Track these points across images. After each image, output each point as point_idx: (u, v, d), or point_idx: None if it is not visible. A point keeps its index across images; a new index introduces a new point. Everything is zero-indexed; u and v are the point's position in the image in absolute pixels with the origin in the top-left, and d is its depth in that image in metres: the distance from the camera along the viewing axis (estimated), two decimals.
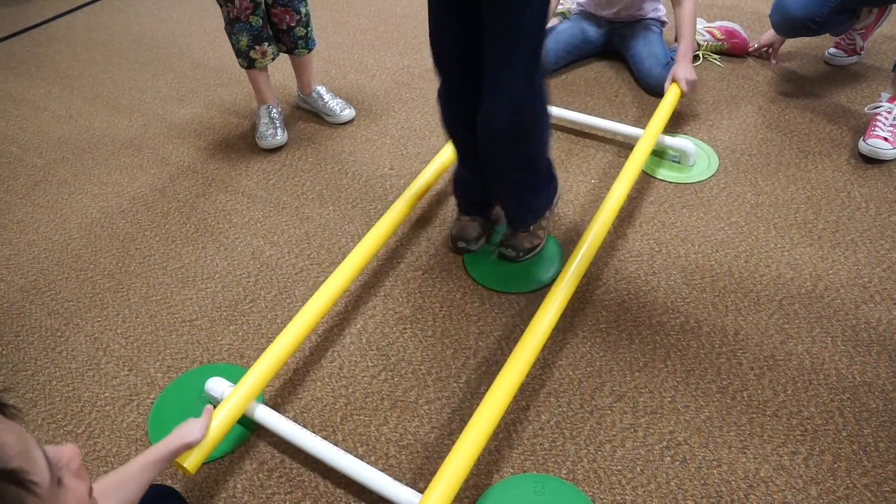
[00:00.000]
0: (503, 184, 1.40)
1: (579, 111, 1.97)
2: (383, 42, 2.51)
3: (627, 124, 1.90)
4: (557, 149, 1.89)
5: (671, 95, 1.85)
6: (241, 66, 1.94)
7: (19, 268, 1.70)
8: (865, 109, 1.88)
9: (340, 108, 2.05)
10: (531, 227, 1.50)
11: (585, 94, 2.11)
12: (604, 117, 1.93)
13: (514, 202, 1.46)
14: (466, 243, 1.54)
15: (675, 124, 1.95)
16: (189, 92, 2.34)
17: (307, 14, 1.92)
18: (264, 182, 1.86)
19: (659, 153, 1.82)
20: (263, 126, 1.98)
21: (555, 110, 1.90)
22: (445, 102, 1.36)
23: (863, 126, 1.88)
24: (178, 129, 2.15)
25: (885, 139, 1.75)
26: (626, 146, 1.88)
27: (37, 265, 1.70)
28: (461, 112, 1.33)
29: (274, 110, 2.01)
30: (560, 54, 2.16)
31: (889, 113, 1.78)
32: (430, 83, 2.22)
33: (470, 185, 1.52)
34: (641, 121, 1.97)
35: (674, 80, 1.89)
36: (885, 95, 1.82)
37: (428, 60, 2.28)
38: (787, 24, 1.95)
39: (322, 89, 2.08)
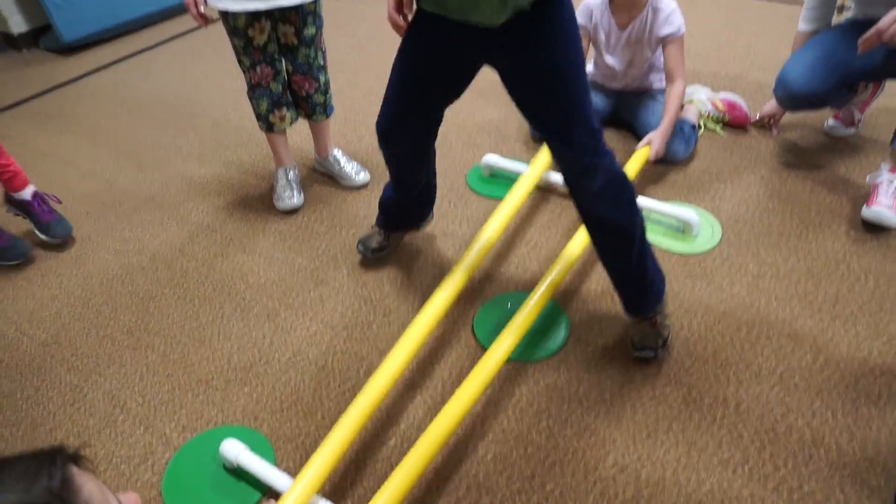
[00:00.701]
0: (613, 254, 1.42)
1: None
2: None
3: None
4: (552, 212, 1.95)
5: (639, 156, 1.95)
6: (261, 129, 2.03)
7: (41, 322, 1.76)
8: (866, 179, 1.94)
9: (356, 172, 2.13)
10: (656, 315, 1.48)
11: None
12: None
13: (629, 280, 1.45)
14: (365, 248, 1.78)
15: (680, 193, 2.02)
16: (209, 151, 2.43)
17: (326, 82, 2.01)
18: (280, 244, 1.93)
19: (664, 223, 1.88)
20: (280, 188, 2.06)
21: (556, 174, 1.97)
22: (392, 115, 1.47)
23: (861, 197, 1.93)
24: (199, 188, 2.23)
25: (888, 207, 1.80)
26: None
27: (59, 320, 1.76)
28: (409, 147, 1.51)
29: (291, 172, 2.08)
30: None
31: (890, 183, 1.83)
32: (444, 148, 2.29)
33: (390, 205, 1.72)
34: (643, 188, 2.04)
35: (647, 144, 1.99)
36: (885, 166, 1.87)
37: (442, 126, 2.37)
38: (791, 100, 2.02)
39: (338, 153, 2.17)
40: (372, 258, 1.80)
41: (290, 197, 2.04)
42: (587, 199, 1.34)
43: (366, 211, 2.03)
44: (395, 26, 1.40)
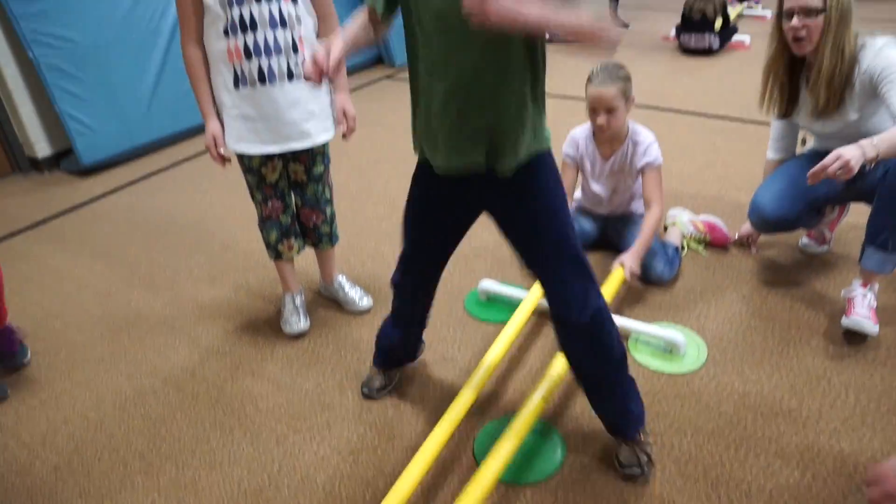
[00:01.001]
0: (594, 384, 1.53)
1: None
2: (398, 231, 2.75)
3: (616, 314, 2.07)
4: (548, 336, 2.05)
5: (615, 278, 2.07)
6: (270, 257, 2.16)
7: (54, 445, 1.82)
8: (841, 294, 2.06)
9: (359, 298, 2.25)
10: (639, 435, 1.57)
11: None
12: None
13: (611, 408, 1.55)
14: (370, 391, 1.86)
15: (666, 314, 2.13)
16: (219, 273, 2.56)
17: (332, 214, 2.17)
18: (288, 368, 2.02)
19: (652, 344, 1.98)
20: (288, 312, 2.17)
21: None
22: (406, 270, 1.65)
23: (837, 312, 2.05)
24: (209, 310, 2.34)
25: (865, 316, 1.91)
26: None
27: (71, 443, 1.82)
28: (416, 282, 1.66)
29: (298, 298, 2.20)
30: None
31: (863, 297, 1.96)
32: (443, 273, 2.42)
33: (392, 343, 1.81)
34: (630, 309, 2.15)
35: (621, 265, 2.11)
36: (857, 282, 2.00)
37: None
38: (764, 224, 2.18)
39: (343, 279, 2.29)
40: (378, 398, 1.87)
41: (297, 322, 2.15)
42: (571, 332, 1.45)
43: (369, 336, 2.13)
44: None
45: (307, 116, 1.92)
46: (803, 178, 2.08)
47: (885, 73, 1.82)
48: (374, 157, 3.51)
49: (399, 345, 1.83)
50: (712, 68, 4.93)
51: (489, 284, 2.25)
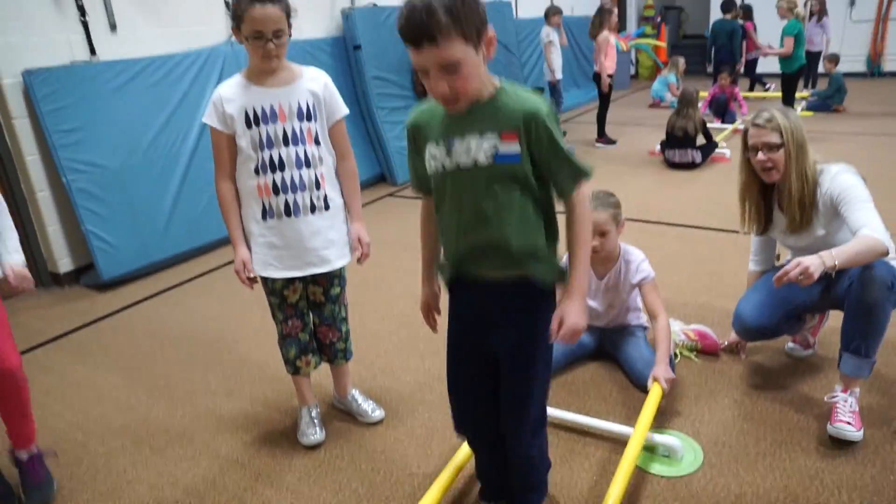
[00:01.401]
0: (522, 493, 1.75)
1: (579, 412, 2.26)
2: (406, 345, 2.90)
3: (620, 422, 2.19)
4: (562, 447, 2.14)
5: (654, 394, 2.17)
6: (288, 371, 2.29)
7: None
8: (825, 399, 2.19)
9: (372, 410, 2.36)
10: None
11: (584, 393, 2.43)
12: (600, 417, 2.24)
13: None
14: None
15: (663, 420, 2.24)
16: (236, 386, 2.67)
17: (347, 332, 2.32)
18: (306, 478, 2.10)
19: (650, 449, 2.09)
20: (304, 424, 2.28)
21: (558, 412, 2.22)
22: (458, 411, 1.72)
23: (824, 413, 2.17)
24: (227, 423, 2.44)
25: (848, 423, 2.03)
26: (621, 442, 2.13)
27: None
28: (476, 424, 1.69)
29: (314, 410, 2.32)
30: (559, 359, 2.52)
31: (845, 402, 2.08)
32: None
33: (486, 475, 1.82)
34: (633, 417, 2.26)
35: (655, 380, 2.23)
36: (838, 387, 2.13)
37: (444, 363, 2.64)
38: (747, 333, 2.35)
39: (356, 392, 2.41)
40: None
41: (314, 433, 2.25)
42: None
43: (382, 446, 2.23)
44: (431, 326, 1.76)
45: (327, 244, 2.11)
46: (781, 290, 2.28)
47: (842, 195, 2.06)
48: (380, 275, 3.70)
49: (492, 475, 1.82)
50: (696, 181, 5.26)
51: None
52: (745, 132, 2.24)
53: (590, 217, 1.48)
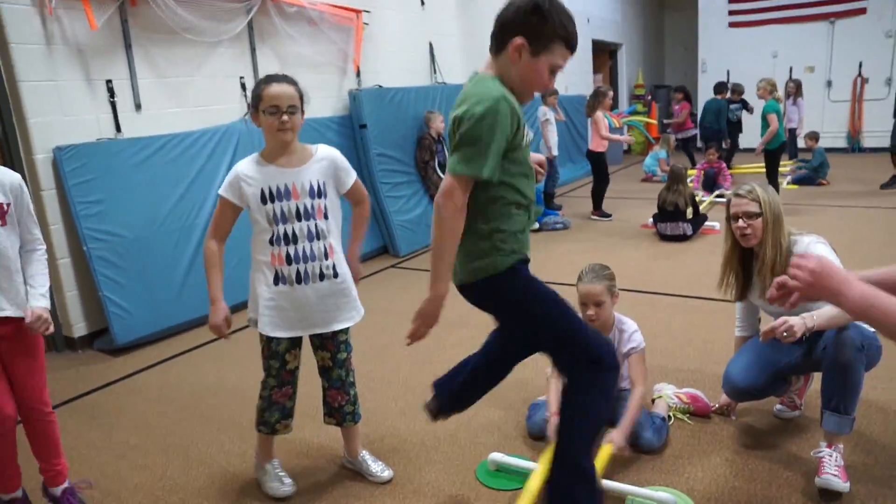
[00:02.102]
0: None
1: None
2: (412, 408, 3.02)
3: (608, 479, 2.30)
4: None
5: (604, 453, 2.31)
6: (263, 432, 2.40)
7: None
8: (811, 454, 2.31)
9: (381, 470, 2.47)
10: None
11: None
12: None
13: None
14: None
15: (658, 478, 2.36)
16: (249, 448, 2.76)
17: (355, 395, 2.45)
18: None
19: None
20: (271, 479, 2.41)
21: None
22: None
23: (811, 470, 2.27)
24: (241, 483, 2.52)
25: (835, 475, 2.16)
26: (610, 497, 2.24)
27: None
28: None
29: (277, 465, 2.46)
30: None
31: (830, 456, 2.21)
32: (456, 447, 2.66)
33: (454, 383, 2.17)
34: (621, 474, 2.38)
35: (609, 442, 2.35)
36: (823, 444, 2.26)
37: (450, 425, 2.76)
38: (735, 392, 2.50)
39: (366, 454, 2.52)
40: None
41: (282, 486, 2.40)
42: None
43: (392, 502, 2.34)
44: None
45: (332, 308, 2.29)
46: (766, 353, 2.45)
47: None
48: (385, 342, 3.84)
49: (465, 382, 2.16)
50: (687, 253, 5.47)
51: (498, 457, 2.47)
52: (729, 202, 2.46)
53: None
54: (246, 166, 2.22)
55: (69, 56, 3.94)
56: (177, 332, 4.25)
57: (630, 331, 2.60)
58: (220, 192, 2.22)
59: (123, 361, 3.87)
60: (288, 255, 2.20)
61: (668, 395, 2.79)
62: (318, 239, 2.23)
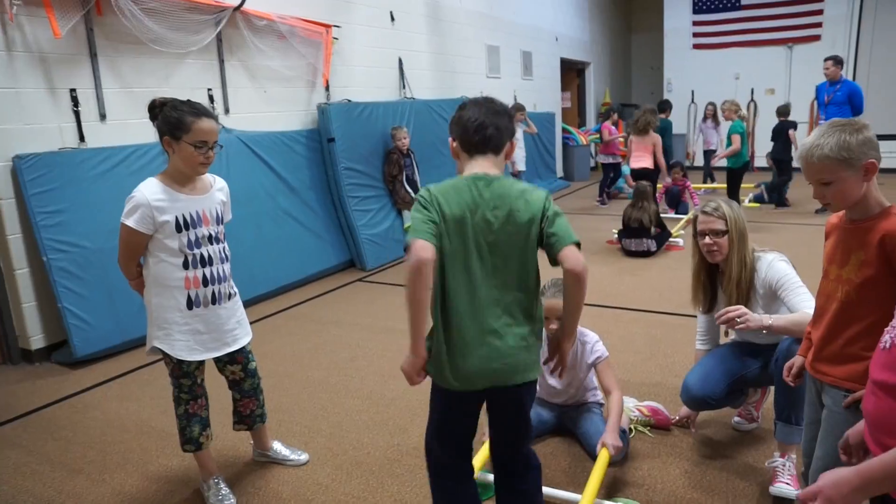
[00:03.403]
0: None
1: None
2: (376, 421, 3.02)
3: (576, 492, 2.32)
4: None
5: (602, 459, 2.34)
6: (190, 451, 2.43)
7: None
8: (766, 464, 2.38)
9: (297, 454, 2.69)
10: None
11: (546, 466, 2.53)
12: (559, 487, 2.38)
13: None
14: None
15: (619, 489, 2.39)
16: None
17: (263, 399, 2.61)
18: None
19: None
20: (214, 493, 2.43)
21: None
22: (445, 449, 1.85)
23: (767, 480, 2.34)
24: (201, 499, 2.49)
25: (787, 483, 2.23)
26: None
27: None
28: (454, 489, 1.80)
29: (221, 479, 2.49)
30: None
31: (783, 466, 2.28)
32: (419, 460, 2.65)
33: None
34: (584, 483, 2.40)
35: (603, 446, 2.39)
36: (777, 454, 2.33)
37: (413, 438, 2.77)
38: (692, 401, 2.55)
39: (278, 443, 2.71)
40: None
41: (228, 496, 2.43)
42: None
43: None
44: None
45: (236, 326, 2.42)
46: (724, 363, 2.52)
47: (781, 282, 2.33)
48: (350, 355, 3.83)
49: None
50: (651, 268, 5.57)
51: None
52: (696, 219, 2.52)
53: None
54: (153, 195, 2.20)
55: (31, 63, 3.88)
56: (139, 344, 4.15)
57: (592, 342, 2.64)
58: (129, 223, 2.18)
59: (82, 374, 3.79)
60: (204, 276, 2.29)
61: (630, 408, 2.84)
62: (227, 261, 2.40)
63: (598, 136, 12.32)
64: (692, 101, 12.38)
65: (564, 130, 11.63)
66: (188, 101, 2.23)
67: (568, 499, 2.29)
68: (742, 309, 2.16)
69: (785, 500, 2.22)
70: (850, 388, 1.63)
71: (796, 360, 1.88)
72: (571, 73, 12.67)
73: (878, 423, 1.23)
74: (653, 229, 5.95)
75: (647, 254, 5.92)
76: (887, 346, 1.24)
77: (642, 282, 5.15)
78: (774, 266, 2.38)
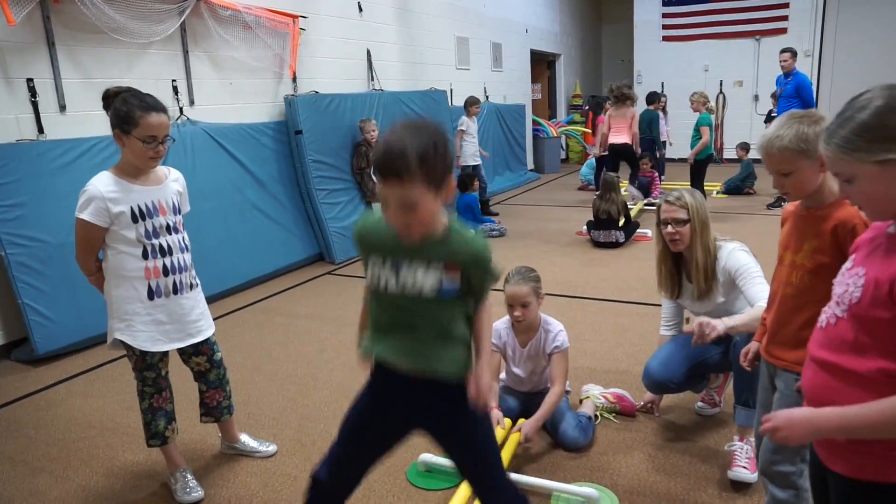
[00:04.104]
0: None
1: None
2: (344, 411, 3.01)
3: (538, 476, 2.35)
4: None
5: (512, 442, 2.45)
6: (155, 445, 2.42)
7: None
8: (724, 448, 2.43)
9: (265, 446, 2.69)
10: None
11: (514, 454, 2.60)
12: (523, 471, 2.42)
13: None
14: None
15: (584, 475, 2.43)
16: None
17: (230, 390, 2.61)
18: None
19: (571, 501, 2.26)
20: (182, 486, 2.41)
21: None
22: (332, 471, 1.69)
23: (727, 463, 2.38)
24: (168, 493, 2.47)
25: (745, 467, 2.28)
26: (536, 493, 2.31)
27: None
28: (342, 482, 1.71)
29: (188, 471, 2.48)
30: None
31: (741, 450, 2.34)
32: None
33: None
34: (550, 471, 2.44)
35: (518, 430, 2.46)
36: (736, 437, 2.39)
37: None
38: (653, 384, 2.60)
39: (245, 436, 2.71)
40: None
41: (195, 490, 2.41)
42: None
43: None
44: None
45: (200, 317, 2.42)
46: (685, 349, 2.56)
47: (740, 271, 2.38)
48: (318, 348, 3.82)
49: None
50: (619, 259, 5.63)
51: (428, 457, 2.49)
52: (659, 208, 2.55)
53: (489, 312, 1.67)
54: (105, 187, 2.19)
55: None
56: (102, 340, 4.05)
57: (555, 331, 2.67)
58: (84, 217, 2.17)
59: (44, 372, 3.72)
60: (165, 266, 2.28)
61: (595, 395, 2.87)
62: (187, 251, 2.38)
63: (569, 127, 12.46)
64: (662, 92, 12.52)
65: (535, 122, 11.68)
66: (139, 93, 2.20)
67: (530, 483, 2.31)
68: (710, 323, 2.15)
69: (741, 484, 2.28)
70: (802, 372, 1.67)
71: (752, 345, 1.92)
72: (542, 64, 12.72)
73: (813, 398, 1.28)
74: (621, 221, 6.02)
75: (615, 245, 5.99)
76: (823, 325, 1.29)
77: (610, 273, 5.20)
78: (734, 255, 2.42)
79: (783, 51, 7.28)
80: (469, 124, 7.59)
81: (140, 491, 2.49)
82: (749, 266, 2.38)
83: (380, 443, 1.72)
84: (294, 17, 5.82)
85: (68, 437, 2.94)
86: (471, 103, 7.64)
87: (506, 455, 2.30)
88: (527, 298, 2.58)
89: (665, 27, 12.57)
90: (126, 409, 3.16)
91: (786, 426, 1.21)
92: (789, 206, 1.85)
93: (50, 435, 2.97)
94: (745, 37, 11.91)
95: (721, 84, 12.00)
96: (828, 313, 1.29)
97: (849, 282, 1.24)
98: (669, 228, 2.47)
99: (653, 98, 9.27)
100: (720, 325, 2.15)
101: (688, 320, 2.84)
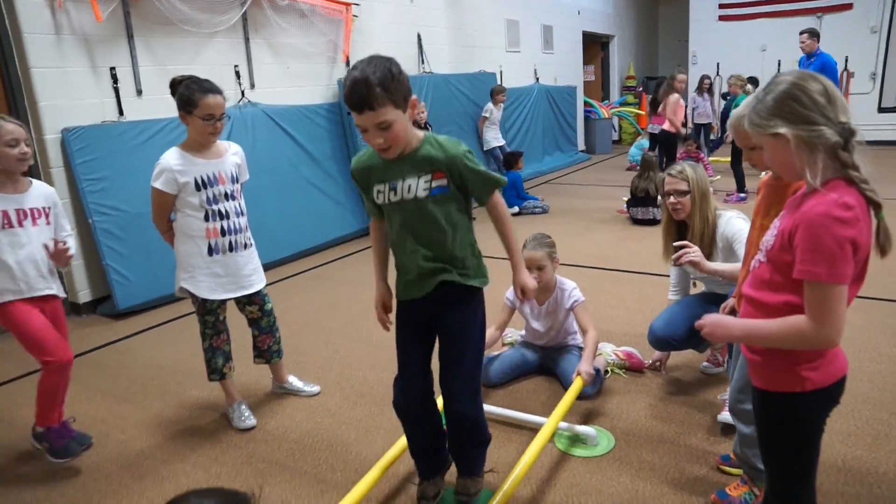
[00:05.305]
0: (467, 450, 2.09)
1: (520, 411, 2.72)
2: (380, 364, 3.38)
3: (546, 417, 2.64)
4: (503, 437, 2.60)
5: (575, 385, 2.67)
6: (215, 380, 2.83)
7: None
8: (718, 398, 2.67)
9: (309, 387, 3.07)
10: (481, 472, 2.13)
11: (525, 399, 2.92)
12: (536, 414, 2.71)
13: (472, 460, 2.11)
14: (427, 501, 2.11)
15: (587, 417, 2.72)
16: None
17: (280, 336, 2.99)
18: (292, 455, 2.57)
19: (575, 439, 2.55)
20: (238, 414, 2.82)
21: (502, 410, 2.71)
22: (402, 391, 2.05)
23: (719, 412, 2.63)
24: (226, 421, 2.90)
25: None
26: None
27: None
28: (415, 398, 2.05)
29: (244, 404, 2.87)
30: (506, 372, 3.02)
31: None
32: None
33: (424, 451, 2.13)
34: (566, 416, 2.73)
35: (578, 374, 2.72)
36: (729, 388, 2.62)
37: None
38: (656, 341, 2.86)
39: (293, 378, 3.09)
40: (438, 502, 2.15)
41: (249, 418, 2.81)
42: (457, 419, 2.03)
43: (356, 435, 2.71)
44: (382, 322, 2.16)
45: (252, 272, 2.79)
46: (689, 308, 2.80)
47: (735, 236, 2.61)
48: (362, 309, 4.20)
49: (429, 455, 2.14)
50: (655, 235, 5.67)
51: None
52: (663, 181, 2.79)
53: (506, 210, 1.97)
54: (174, 160, 2.59)
55: (76, 45, 4.29)
56: (173, 299, 4.59)
57: (570, 289, 2.95)
58: (157, 185, 2.59)
59: (124, 324, 4.23)
60: (222, 228, 2.66)
61: (608, 352, 3.15)
62: (242, 215, 2.75)
63: (621, 108, 12.45)
64: (717, 73, 12.37)
65: (586, 104, 11.77)
66: (198, 79, 2.57)
67: (538, 422, 2.61)
68: (695, 249, 2.43)
69: (729, 426, 2.52)
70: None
71: (730, 301, 2.17)
72: (595, 46, 12.75)
73: None
74: (659, 198, 6.18)
75: (653, 222, 6.15)
76: (751, 268, 1.55)
77: (644, 248, 5.39)
78: (732, 222, 2.65)
79: (802, 32, 7.23)
80: (493, 111, 7.79)
81: (204, 418, 2.93)
82: (744, 232, 2.59)
83: (422, 341, 2.06)
84: (347, 4, 6.18)
85: (145, 376, 3.41)
86: (497, 91, 7.81)
87: (569, 400, 2.59)
88: (542, 262, 2.87)
89: (722, 6, 12.36)
90: (191, 355, 3.61)
91: (710, 326, 1.53)
92: (764, 178, 2.08)
93: (130, 374, 3.45)
94: (806, 14, 11.57)
95: (779, 64, 11.72)
96: (755, 259, 1.55)
97: (770, 233, 1.50)
98: (672, 199, 2.71)
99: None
100: (703, 260, 2.43)
101: (695, 284, 3.08)
